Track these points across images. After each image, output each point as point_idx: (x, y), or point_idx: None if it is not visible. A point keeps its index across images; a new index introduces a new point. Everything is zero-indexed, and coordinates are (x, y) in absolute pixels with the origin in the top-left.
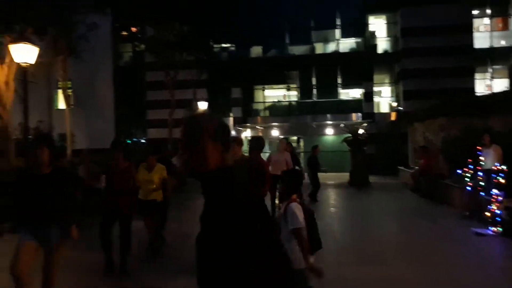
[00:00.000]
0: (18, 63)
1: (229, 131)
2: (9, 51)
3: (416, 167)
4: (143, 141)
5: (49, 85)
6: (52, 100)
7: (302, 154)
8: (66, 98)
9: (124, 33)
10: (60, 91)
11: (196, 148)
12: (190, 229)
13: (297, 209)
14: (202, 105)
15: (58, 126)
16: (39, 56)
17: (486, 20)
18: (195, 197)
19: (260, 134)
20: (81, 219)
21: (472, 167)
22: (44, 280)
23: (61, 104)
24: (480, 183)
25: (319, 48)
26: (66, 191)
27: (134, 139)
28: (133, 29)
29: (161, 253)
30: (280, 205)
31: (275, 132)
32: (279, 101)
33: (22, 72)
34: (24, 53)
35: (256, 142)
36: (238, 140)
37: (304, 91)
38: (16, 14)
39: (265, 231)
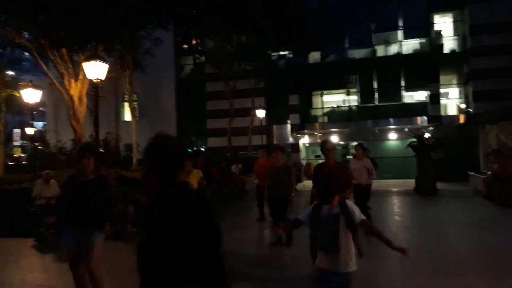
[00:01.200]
0: (90, 79)
1: (182, 153)
2: (82, 69)
3: (489, 173)
4: (203, 149)
5: (116, 98)
6: (119, 112)
7: None
8: (132, 110)
9: (185, 46)
10: (126, 104)
11: (154, 166)
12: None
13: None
14: (260, 113)
15: (125, 137)
16: (108, 71)
17: None
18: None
19: (319, 140)
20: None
21: None
22: (92, 282)
23: (127, 116)
24: None
25: (381, 51)
26: (104, 196)
27: (195, 148)
28: (194, 42)
29: None
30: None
31: (334, 138)
32: (338, 107)
33: (93, 87)
34: (96, 69)
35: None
36: (280, 148)
37: (365, 95)
38: (88, 34)
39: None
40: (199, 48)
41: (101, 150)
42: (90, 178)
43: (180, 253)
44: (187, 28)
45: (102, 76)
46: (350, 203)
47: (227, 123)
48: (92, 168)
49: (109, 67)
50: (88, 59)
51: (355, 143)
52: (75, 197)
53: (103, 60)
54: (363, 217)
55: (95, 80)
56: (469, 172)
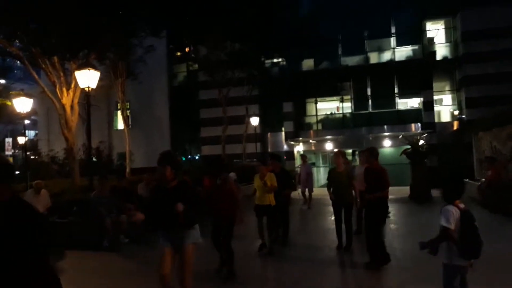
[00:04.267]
0: (82, 88)
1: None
2: (74, 77)
3: (483, 180)
4: (197, 157)
5: (109, 107)
6: (111, 121)
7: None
8: (125, 118)
9: (178, 53)
10: (119, 112)
11: None
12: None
13: (451, 211)
14: (254, 121)
15: (118, 146)
16: (100, 79)
17: None
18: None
19: (313, 148)
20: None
21: None
22: (180, 281)
23: (120, 124)
24: None
25: (374, 58)
26: (188, 201)
27: (189, 156)
28: (187, 49)
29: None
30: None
31: (328, 146)
32: (332, 114)
33: (85, 96)
34: (88, 78)
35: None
36: (340, 152)
37: (359, 103)
38: (80, 41)
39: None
40: (192, 55)
41: (93, 159)
42: (172, 185)
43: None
44: (180, 35)
45: (94, 85)
46: (446, 208)
47: (221, 131)
48: (170, 176)
49: (101, 75)
50: (80, 67)
51: (349, 151)
52: (161, 203)
53: (95, 68)
54: (443, 224)
55: (86, 89)
56: (463, 179)
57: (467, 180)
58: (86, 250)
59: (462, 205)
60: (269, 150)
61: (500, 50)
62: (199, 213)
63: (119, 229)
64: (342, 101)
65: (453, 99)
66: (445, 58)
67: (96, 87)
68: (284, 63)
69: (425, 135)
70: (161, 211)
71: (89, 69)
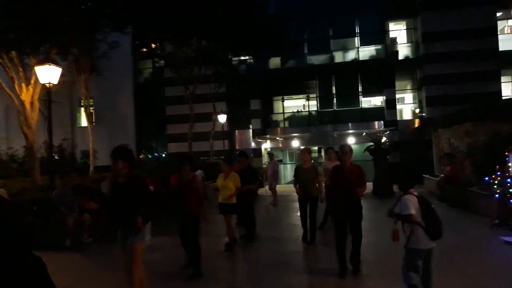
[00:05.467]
0: (42, 83)
1: None
2: (34, 72)
3: (442, 175)
4: (163, 155)
5: (72, 104)
6: (74, 118)
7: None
8: (88, 115)
9: (144, 50)
10: (82, 109)
11: None
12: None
13: (409, 199)
14: (222, 118)
15: (81, 143)
16: (62, 75)
17: (511, 22)
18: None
19: (280, 145)
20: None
21: (500, 173)
22: (129, 279)
23: (84, 121)
24: (510, 190)
25: (339, 57)
26: (139, 197)
27: (155, 154)
28: (153, 46)
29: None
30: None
31: (295, 143)
32: (298, 111)
33: (46, 92)
34: (49, 73)
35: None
36: (307, 150)
37: (324, 101)
38: (41, 36)
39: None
40: (158, 52)
41: (56, 157)
42: (124, 180)
43: None
44: (145, 31)
45: (55, 80)
46: (403, 198)
47: (187, 128)
48: (123, 170)
49: (64, 70)
50: (41, 62)
51: (315, 148)
52: (114, 198)
53: (56, 63)
54: (403, 212)
55: (47, 85)
56: (423, 175)
57: (427, 175)
58: (47, 251)
59: (416, 193)
60: (236, 147)
61: (459, 51)
62: (152, 211)
63: (82, 229)
64: (308, 99)
65: (414, 98)
66: (406, 58)
67: (58, 83)
68: (252, 60)
69: (388, 132)
70: (115, 206)
71: (50, 65)
